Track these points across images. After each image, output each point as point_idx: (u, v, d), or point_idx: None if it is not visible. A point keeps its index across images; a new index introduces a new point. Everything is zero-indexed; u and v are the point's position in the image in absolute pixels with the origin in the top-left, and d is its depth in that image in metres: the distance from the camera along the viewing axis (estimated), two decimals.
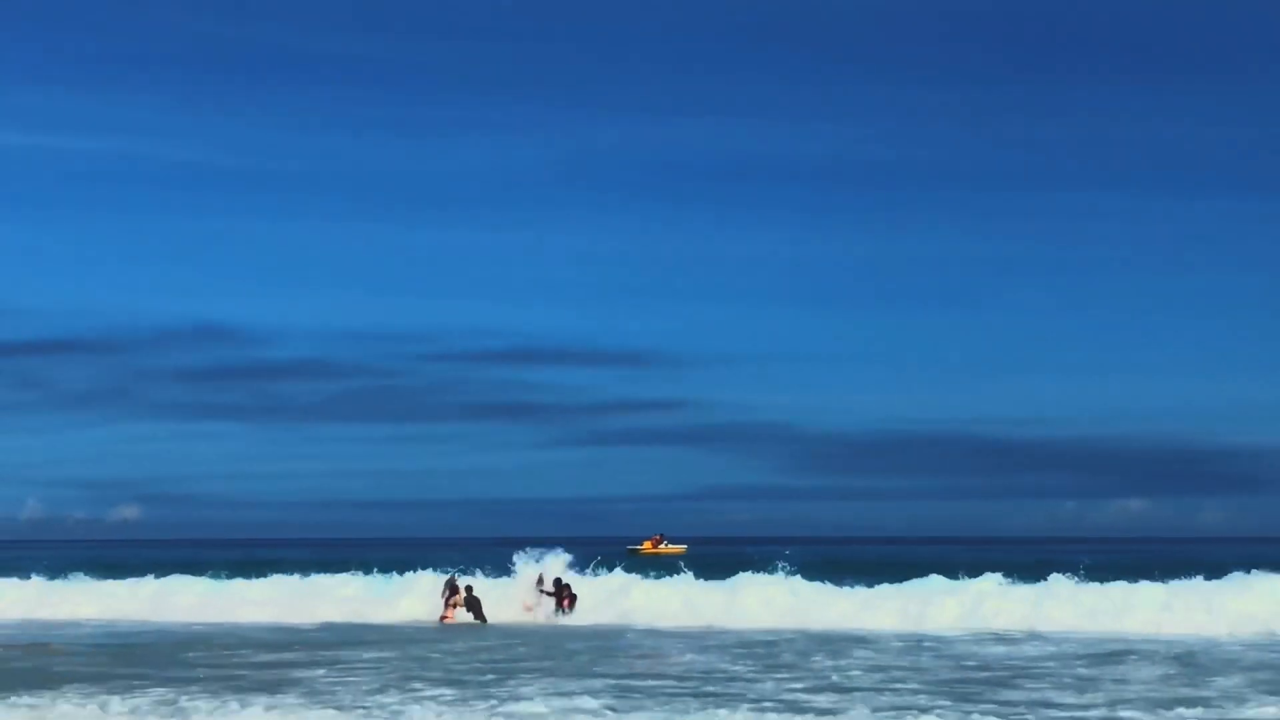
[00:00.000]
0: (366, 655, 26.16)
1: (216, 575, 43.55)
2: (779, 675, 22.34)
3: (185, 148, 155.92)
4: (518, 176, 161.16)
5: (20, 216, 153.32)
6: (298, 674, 22.84)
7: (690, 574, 37.73)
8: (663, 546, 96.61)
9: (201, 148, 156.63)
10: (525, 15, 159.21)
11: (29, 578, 43.75)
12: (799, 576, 37.04)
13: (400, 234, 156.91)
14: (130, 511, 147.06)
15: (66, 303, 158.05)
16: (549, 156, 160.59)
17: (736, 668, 23.59)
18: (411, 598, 38.32)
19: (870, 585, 36.96)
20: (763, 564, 38.02)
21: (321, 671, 23.20)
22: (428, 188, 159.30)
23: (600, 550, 42.83)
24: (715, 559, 51.16)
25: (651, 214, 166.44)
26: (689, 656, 25.72)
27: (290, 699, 19.56)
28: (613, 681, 21.54)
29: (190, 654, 26.75)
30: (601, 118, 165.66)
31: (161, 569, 45.80)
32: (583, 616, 35.26)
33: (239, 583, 42.18)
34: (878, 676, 22.14)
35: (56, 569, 45.81)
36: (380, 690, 20.62)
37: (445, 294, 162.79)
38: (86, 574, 44.84)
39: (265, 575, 42.92)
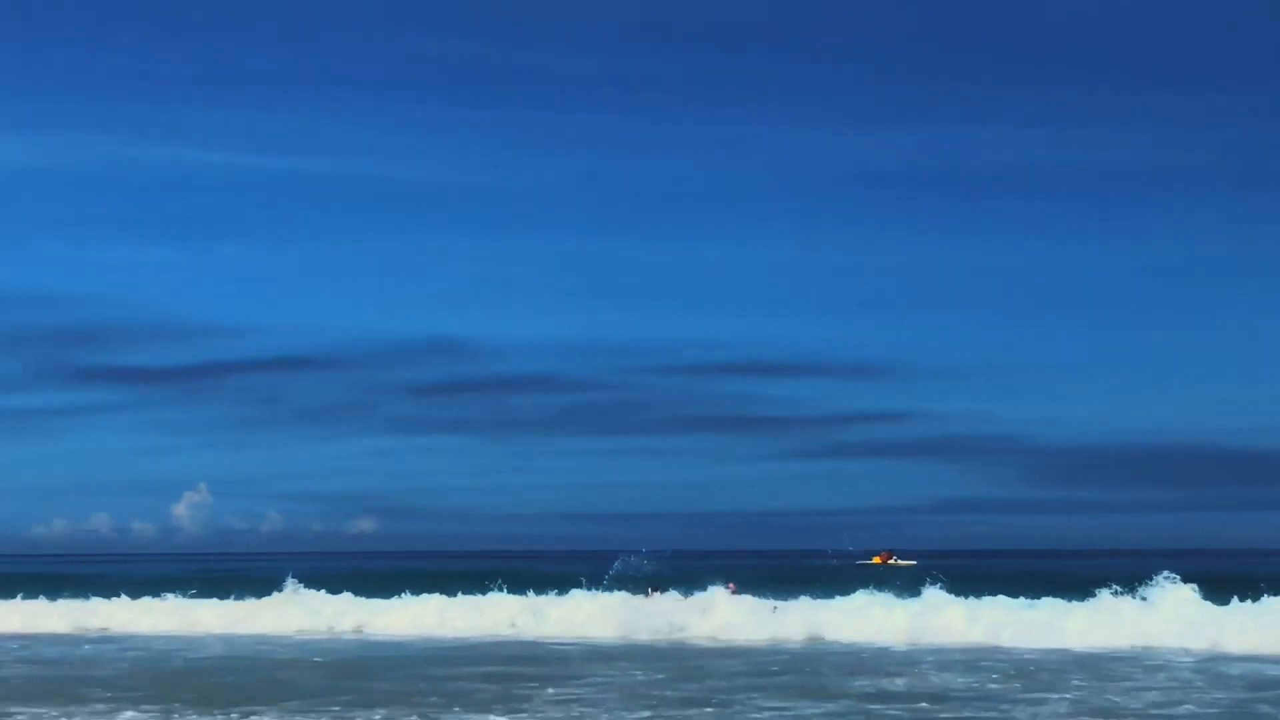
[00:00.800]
0: (607, 671, 25.68)
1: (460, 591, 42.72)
2: (1038, 696, 20.99)
3: (417, 167, 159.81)
4: (747, 188, 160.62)
5: (259, 237, 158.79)
6: (548, 690, 22.44)
7: (939, 587, 35.76)
8: (893, 561, 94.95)
9: (434, 166, 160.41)
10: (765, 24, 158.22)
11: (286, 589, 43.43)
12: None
13: (632, 248, 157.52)
14: (367, 524, 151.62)
15: (303, 320, 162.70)
16: (781, 168, 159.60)
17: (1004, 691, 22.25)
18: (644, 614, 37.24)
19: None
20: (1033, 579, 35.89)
21: (569, 689, 22.75)
22: (656, 200, 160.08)
23: (826, 563, 41.75)
24: (959, 572, 49.41)
25: (880, 225, 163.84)
26: (947, 677, 24.43)
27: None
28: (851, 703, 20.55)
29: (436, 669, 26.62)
30: (835, 128, 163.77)
31: (403, 582, 45.94)
32: (821, 632, 34.13)
33: (475, 598, 41.45)
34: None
35: (316, 581, 45.77)
36: (626, 707, 20.07)
37: (674, 307, 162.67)
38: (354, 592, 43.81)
39: (499, 589, 41.94)
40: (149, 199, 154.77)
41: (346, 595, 42.31)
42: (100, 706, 20.69)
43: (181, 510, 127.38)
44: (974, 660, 27.31)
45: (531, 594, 39.78)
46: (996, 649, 30.22)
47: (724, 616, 35.74)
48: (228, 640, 35.89)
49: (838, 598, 36.90)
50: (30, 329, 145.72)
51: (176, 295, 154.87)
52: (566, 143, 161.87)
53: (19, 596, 45.44)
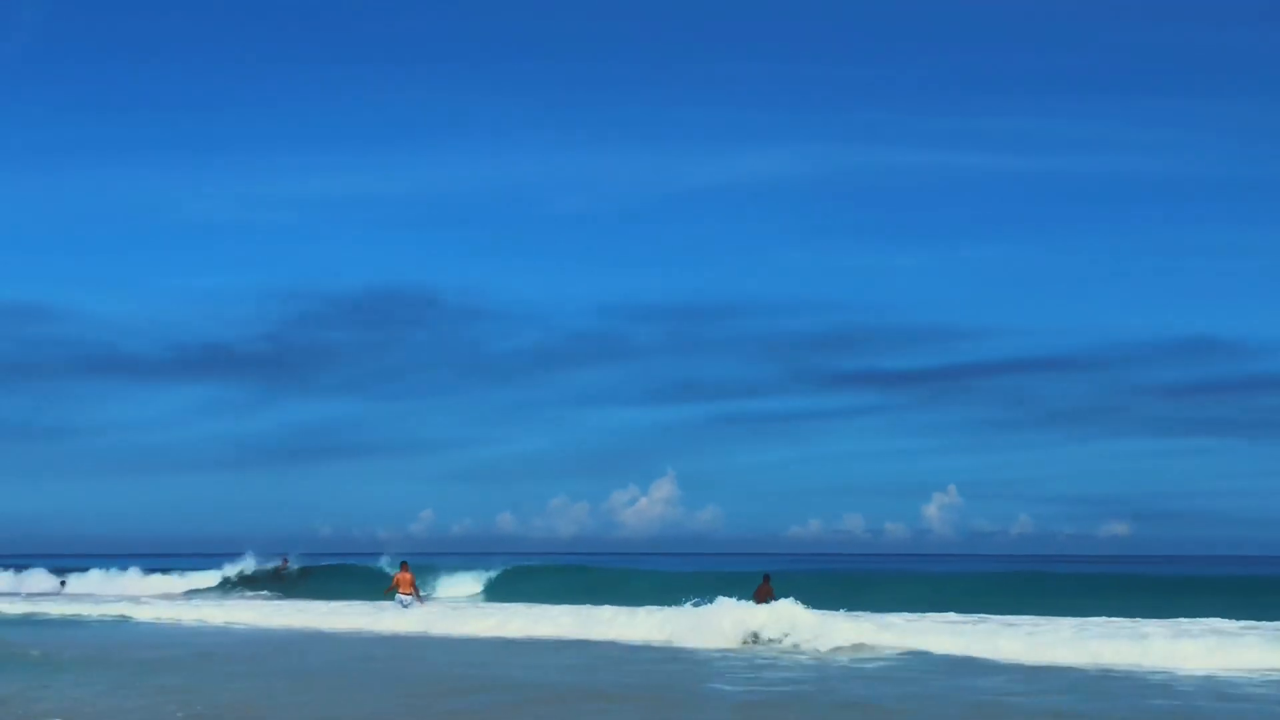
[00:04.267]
0: None
1: None
2: None
3: (1169, 161, 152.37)
4: None
5: (1006, 238, 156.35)
6: None
7: None
8: None
9: (1184, 161, 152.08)
10: None
11: None
12: None
13: None
14: (1120, 528, 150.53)
15: (1049, 321, 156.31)
16: None
17: None
18: None
19: None
20: None
21: None
22: None
23: None
24: None
25: None
26: None
27: None
28: None
29: None
30: None
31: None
32: None
33: None
34: None
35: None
36: None
37: None
38: None
39: None
40: (896, 204, 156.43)
41: None
42: None
43: (932, 511, 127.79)
44: None
45: None
46: None
47: None
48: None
49: None
50: (782, 335, 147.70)
51: (924, 299, 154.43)
52: None
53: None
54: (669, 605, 32.27)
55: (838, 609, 32.10)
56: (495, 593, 55.34)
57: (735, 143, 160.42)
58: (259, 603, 49.01)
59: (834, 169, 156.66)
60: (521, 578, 58.34)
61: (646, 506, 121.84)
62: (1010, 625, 30.04)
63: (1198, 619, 30.94)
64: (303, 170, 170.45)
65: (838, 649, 25.15)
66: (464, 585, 57.79)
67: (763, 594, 36.95)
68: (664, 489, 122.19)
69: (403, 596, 39.60)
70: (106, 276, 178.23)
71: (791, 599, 28.59)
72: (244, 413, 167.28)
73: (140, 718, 16.16)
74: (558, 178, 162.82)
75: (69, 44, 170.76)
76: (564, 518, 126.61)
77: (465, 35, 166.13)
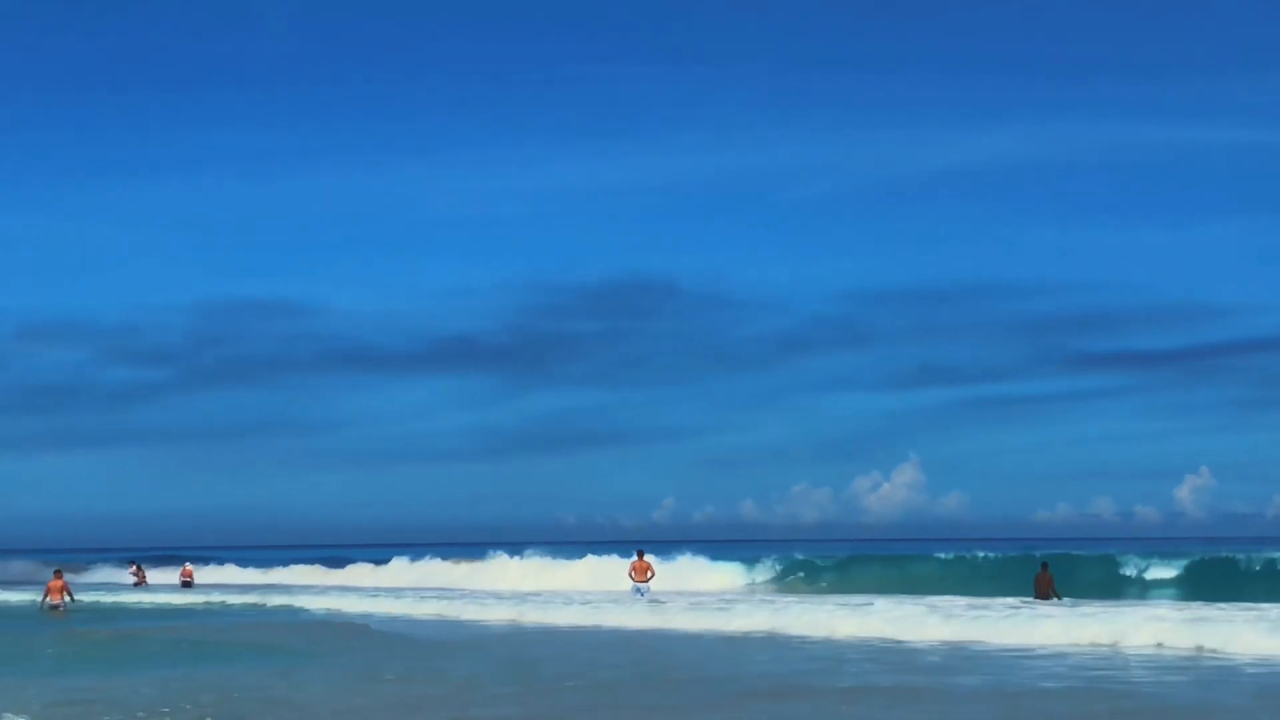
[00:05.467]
0: None
1: None
2: None
3: None
4: None
5: (1268, 212, 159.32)
6: None
7: None
8: None
9: None
10: None
11: None
12: None
13: None
14: None
15: None
16: None
17: None
18: None
19: None
20: None
21: None
22: None
23: None
24: None
25: None
26: None
27: None
28: None
29: None
30: None
31: None
32: None
33: None
34: None
35: None
36: None
37: None
38: None
39: None
40: (1144, 182, 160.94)
41: None
42: None
43: (1184, 494, 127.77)
44: None
45: None
46: None
47: None
48: None
49: None
50: (1029, 317, 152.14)
51: (1174, 277, 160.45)
52: None
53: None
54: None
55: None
56: (787, 584, 54.22)
57: (976, 122, 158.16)
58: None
59: (1078, 147, 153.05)
60: (808, 568, 56.62)
61: (889, 492, 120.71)
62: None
63: None
64: (542, 163, 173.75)
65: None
66: (730, 575, 56.24)
67: (1043, 585, 35.70)
68: (907, 474, 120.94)
69: (639, 584, 40.25)
70: (355, 273, 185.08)
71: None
72: (488, 404, 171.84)
73: None
74: (797, 163, 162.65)
75: (316, 50, 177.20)
76: (806, 504, 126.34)
77: (701, 26, 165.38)
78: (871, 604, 32.92)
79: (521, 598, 44.94)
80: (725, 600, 39.71)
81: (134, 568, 68.85)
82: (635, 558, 41.28)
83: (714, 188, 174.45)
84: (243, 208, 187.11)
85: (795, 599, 39.88)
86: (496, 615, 37.96)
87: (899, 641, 26.27)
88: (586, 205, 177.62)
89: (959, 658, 22.91)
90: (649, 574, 40.70)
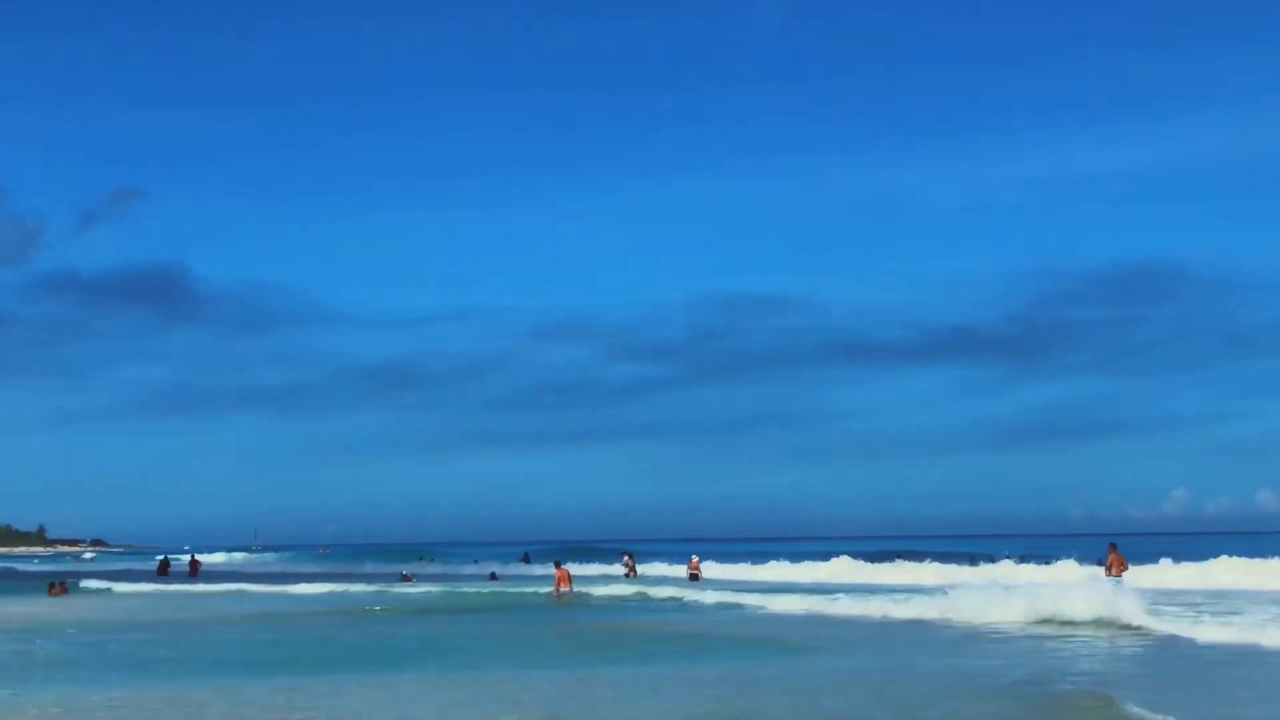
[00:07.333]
0: None
1: None
2: None
3: None
4: None
5: None
6: None
7: None
8: None
9: None
10: None
11: None
12: None
13: None
14: None
15: None
16: None
17: None
18: None
19: None
20: None
21: None
22: None
23: None
24: None
25: None
26: None
27: None
28: None
29: None
30: None
31: None
32: None
33: None
34: None
35: None
36: None
37: None
38: None
39: None
40: None
41: None
42: None
43: None
44: None
45: None
46: None
47: None
48: None
49: None
50: None
51: None
52: None
53: None
54: None
55: None
56: None
57: None
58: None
59: None
60: None
61: None
62: None
63: None
64: (1043, 149, 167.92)
65: None
66: None
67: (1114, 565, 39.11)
68: None
69: (1112, 577, 39.41)
70: (853, 265, 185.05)
71: None
72: (991, 394, 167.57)
73: None
74: None
75: (804, 48, 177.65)
76: None
77: (1214, 3, 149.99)
78: None
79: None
80: None
81: (626, 558, 68.96)
82: (1110, 552, 41.49)
83: (1226, 168, 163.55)
84: (740, 204, 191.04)
85: None
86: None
87: None
88: (1090, 190, 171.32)
89: None
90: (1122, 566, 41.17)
